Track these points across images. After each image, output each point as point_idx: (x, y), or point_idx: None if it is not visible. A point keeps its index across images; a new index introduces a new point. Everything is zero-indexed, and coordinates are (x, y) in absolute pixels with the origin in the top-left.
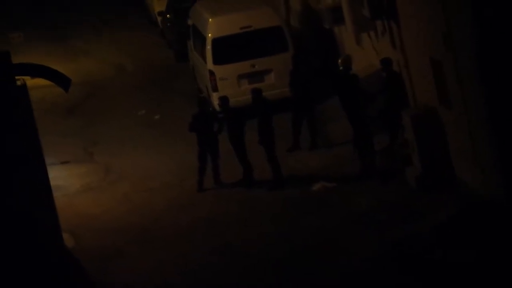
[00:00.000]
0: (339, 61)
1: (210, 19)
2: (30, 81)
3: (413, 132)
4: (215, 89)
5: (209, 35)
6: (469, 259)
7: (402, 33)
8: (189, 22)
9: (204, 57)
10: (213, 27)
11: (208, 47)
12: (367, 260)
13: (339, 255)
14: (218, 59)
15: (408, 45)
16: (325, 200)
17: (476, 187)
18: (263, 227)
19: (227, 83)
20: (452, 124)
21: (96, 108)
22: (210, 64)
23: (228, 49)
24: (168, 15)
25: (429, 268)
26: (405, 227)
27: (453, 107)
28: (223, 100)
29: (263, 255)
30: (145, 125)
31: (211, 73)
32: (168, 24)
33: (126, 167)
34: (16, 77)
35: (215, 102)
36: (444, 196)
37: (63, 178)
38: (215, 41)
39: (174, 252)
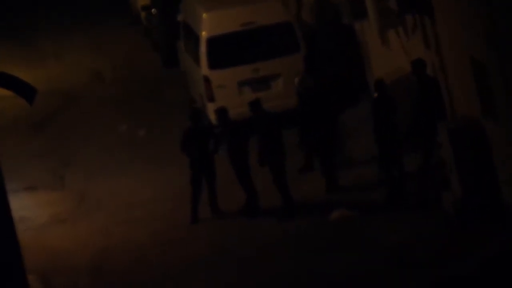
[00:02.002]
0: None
1: (204, 14)
2: None
3: (451, 150)
4: (211, 98)
5: (204, 33)
6: None
7: (437, 29)
8: (180, 18)
9: (197, 61)
10: (208, 24)
11: (203, 48)
12: None
13: None
14: (214, 63)
15: (444, 43)
16: (346, 232)
17: None
18: (272, 268)
19: (226, 92)
20: (499, 139)
21: (68, 123)
22: (205, 69)
23: (226, 50)
24: (153, 10)
25: None
26: (445, 265)
27: (500, 119)
28: (221, 112)
29: None
30: (127, 143)
31: (206, 79)
32: (154, 21)
33: (104, 194)
34: None
35: (211, 114)
36: (490, 226)
37: (29, 208)
38: (210, 41)
39: None
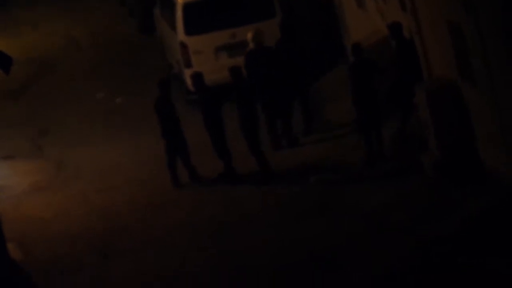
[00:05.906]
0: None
1: None
2: None
3: (428, 111)
4: (189, 64)
5: None
6: (500, 265)
7: None
8: None
9: (174, 27)
10: None
11: (179, 13)
12: (385, 269)
13: (352, 266)
14: (190, 29)
15: (420, 6)
16: (326, 197)
17: (507, 176)
18: (254, 234)
19: (203, 57)
20: (476, 101)
21: (45, 91)
22: (181, 35)
23: (202, 15)
24: None
25: (460, 274)
26: (426, 227)
27: (477, 81)
28: (196, 77)
29: (256, 270)
30: (105, 111)
31: (183, 45)
32: None
33: (82, 161)
34: None
35: (188, 80)
36: (469, 187)
37: (7, 177)
38: (186, 6)
39: (144, 265)
